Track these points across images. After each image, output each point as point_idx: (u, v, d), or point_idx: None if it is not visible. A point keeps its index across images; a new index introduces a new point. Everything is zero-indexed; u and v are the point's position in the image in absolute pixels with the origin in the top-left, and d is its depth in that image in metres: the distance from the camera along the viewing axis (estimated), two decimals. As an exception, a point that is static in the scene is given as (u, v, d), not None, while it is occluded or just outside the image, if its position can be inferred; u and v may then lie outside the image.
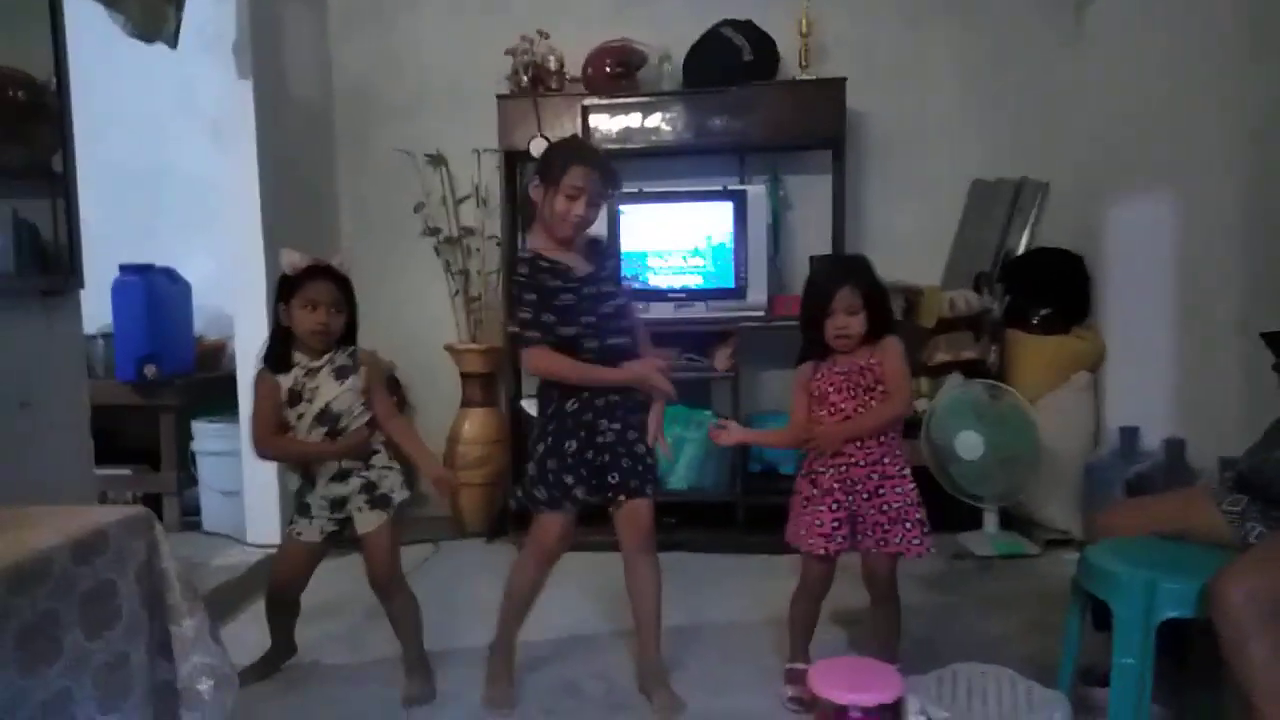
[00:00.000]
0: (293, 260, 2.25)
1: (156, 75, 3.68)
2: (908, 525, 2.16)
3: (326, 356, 2.28)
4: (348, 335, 2.32)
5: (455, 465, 3.78)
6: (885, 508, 2.16)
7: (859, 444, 2.18)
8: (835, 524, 2.19)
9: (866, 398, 2.18)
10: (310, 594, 2.49)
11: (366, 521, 2.28)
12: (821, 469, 2.22)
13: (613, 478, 2.20)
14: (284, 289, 2.25)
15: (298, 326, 2.24)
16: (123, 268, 3.48)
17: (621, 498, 2.21)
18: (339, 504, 2.29)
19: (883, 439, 2.18)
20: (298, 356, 2.27)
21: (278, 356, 2.28)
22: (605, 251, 2.31)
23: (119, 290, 3.44)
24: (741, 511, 3.56)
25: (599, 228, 2.46)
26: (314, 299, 2.23)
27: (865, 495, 2.18)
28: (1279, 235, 2.65)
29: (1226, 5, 2.86)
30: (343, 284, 2.27)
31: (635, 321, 2.32)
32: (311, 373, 2.26)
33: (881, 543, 2.17)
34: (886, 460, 2.18)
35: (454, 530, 3.80)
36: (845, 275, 2.22)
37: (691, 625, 2.73)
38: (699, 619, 2.80)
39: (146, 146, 3.93)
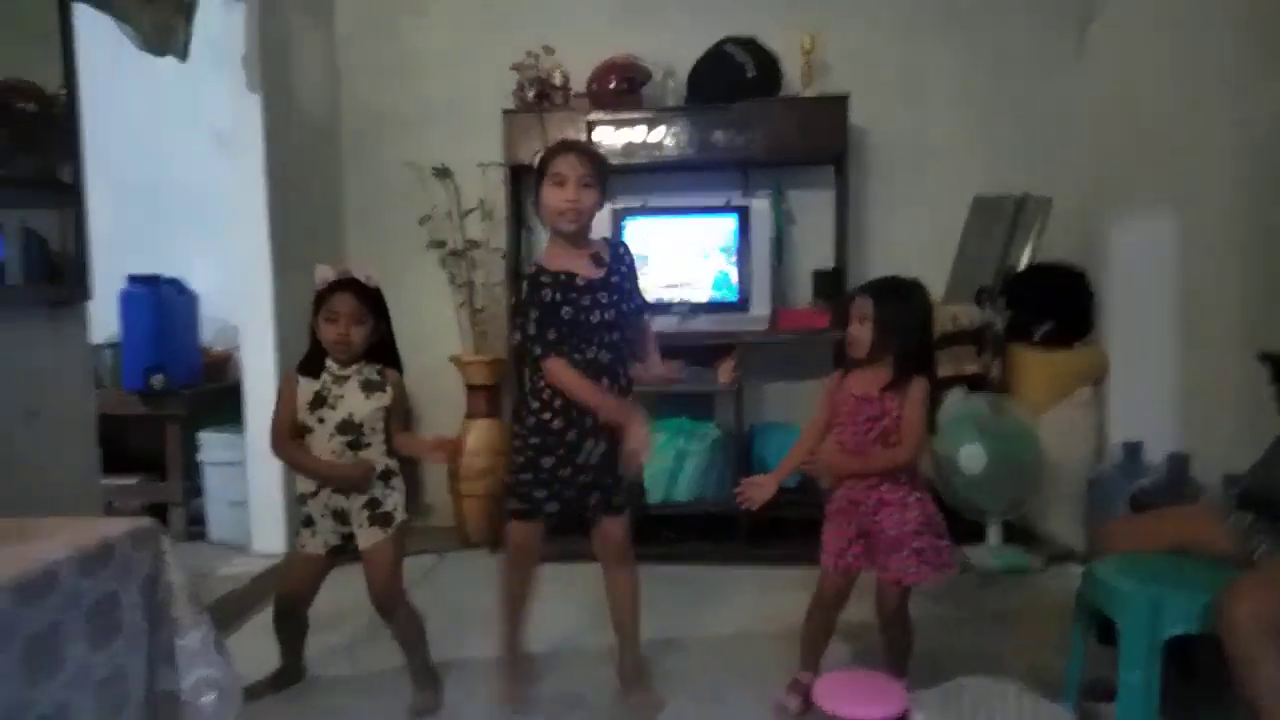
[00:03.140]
0: (323, 274, 2.29)
1: (166, 88, 3.69)
2: (904, 553, 2.14)
3: (354, 368, 2.29)
4: (380, 349, 2.33)
5: (459, 477, 3.77)
6: (882, 534, 2.16)
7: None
8: (845, 542, 2.20)
9: (866, 427, 2.17)
10: (317, 606, 2.47)
11: (367, 537, 2.28)
12: (835, 489, 2.24)
13: (594, 498, 2.24)
14: (316, 303, 2.29)
15: (322, 338, 2.27)
16: (130, 278, 3.48)
17: (602, 517, 2.26)
18: (341, 516, 2.28)
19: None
20: (329, 364, 2.29)
21: (309, 363, 2.31)
22: (618, 255, 2.25)
23: (127, 301, 3.44)
24: (744, 524, 3.54)
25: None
26: (335, 311, 2.25)
27: (869, 518, 2.17)
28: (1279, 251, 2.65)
29: (1229, 22, 2.86)
30: (368, 297, 2.28)
31: (638, 332, 2.31)
32: (339, 380, 2.28)
33: (883, 570, 2.17)
34: (884, 488, 2.16)
35: (458, 541, 3.78)
36: (868, 287, 2.21)
37: (693, 638, 2.71)
38: (701, 631, 2.78)
39: (155, 159, 3.93)
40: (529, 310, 2.14)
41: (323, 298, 2.26)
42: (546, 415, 2.20)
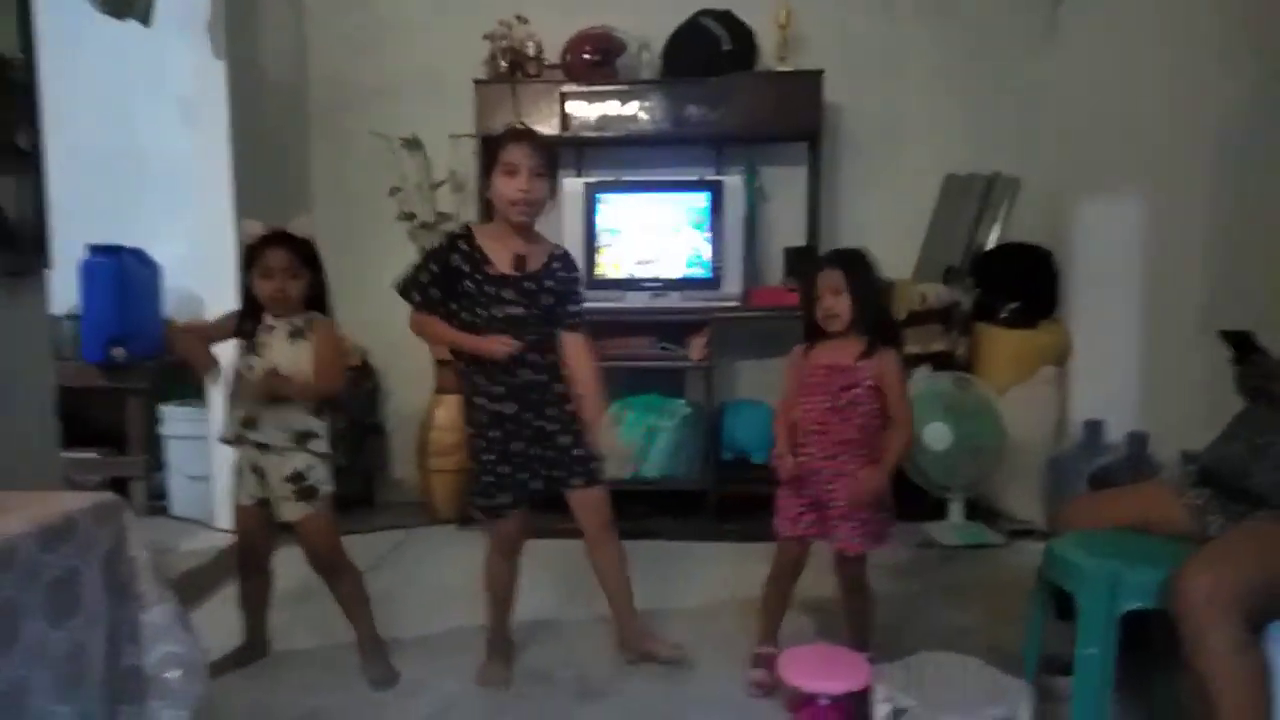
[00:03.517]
0: (251, 229, 2.27)
1: (128, 54, 3.59)
2: (852, 523, 2.17)
3: (285, 319, 2.27)
4: (316, 300, 2.30)
5: (427, 452, 3.75)
6: (834, 503, 2.19)
7: (817, 436, 2.20)
8: (799, 510, 2.23)
9: (839, 396, 2.18)
10: (278, 581, 2.46)
11: (292, 510, 2.26)
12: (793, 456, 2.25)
13: (554, 472, 2.25)
14: (247, 258, 2.26)
15: (258, 294, 2.25)
16: (91, 248, 3.39)
17: (576, 488, 2.26)
18: (260, 474, 2.27)
19: (842, 440, 2.18)
20: (264, 319, 2.27)
21: (246, 324, 2.28)
22: (551, 268, 2.24)
23: (87, 271, 3.36)
24: (713, 499, 3.57)
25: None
26: (269, 266, 2.22)
27: (823, 487, 2.19)
28: (1243, 234, 2.69)
29: (1198, 6, 2.88)
30: (301, 249, 2.25)
31: (563, 346, 2.27)
32: (268, 329, 2.26)
33: (831, 539, 2.20)
34: (842, 458, 2.18)
35: (425, 517, 3.77)
36: (832, 259, 2.24)
37: (661, 611, 2.73)
38: (669, 605, 2.80)
39: (117, 126, 3.83)
40: (429, 262, 2.21)
41: (255, 253, 2.24)
42: (480, 400, 2.22)
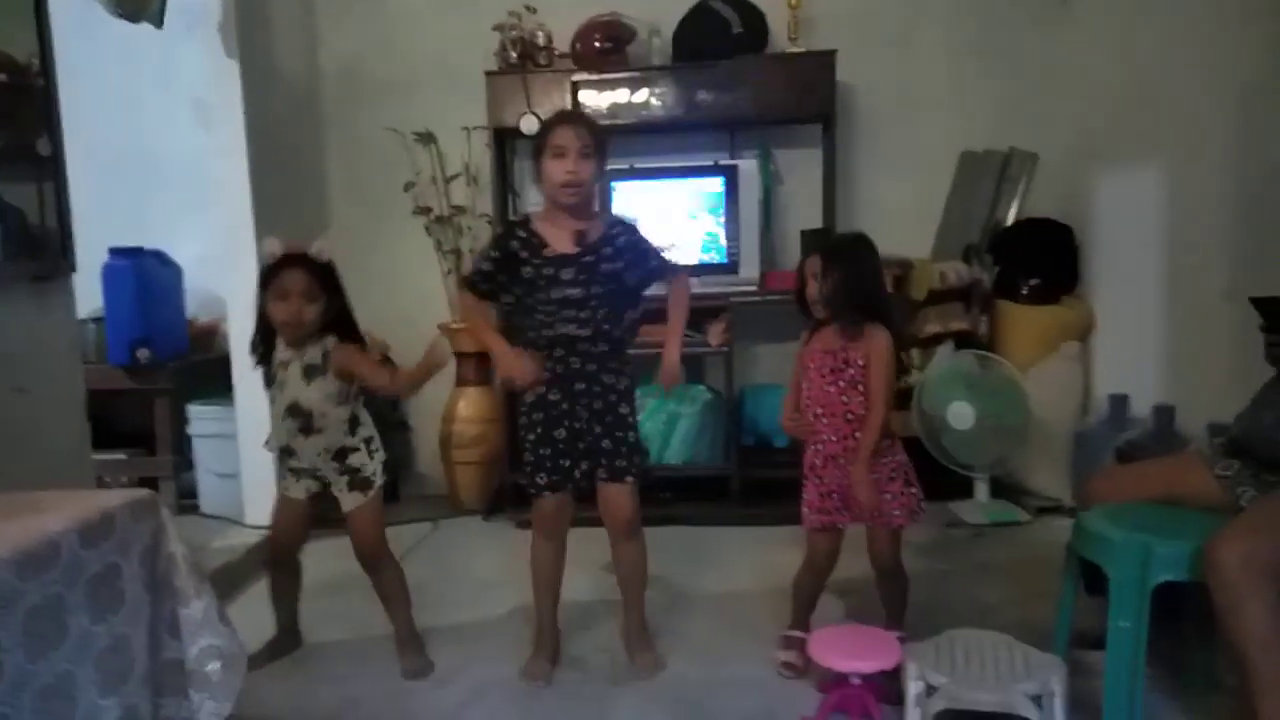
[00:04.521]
0: (271, 249, 2.20)
1: (141, 56, 3.63)
2: (886, 497, 2.18)
3: (298, 351, 2.23)
4: (337, 323, 2.25)
5: (451, 445, 3.78)
6: (844, 487, 2.20)
7: (828, 420, 2.21)
8: (821, 498, 2.23)
9: (831, 379, 2.21)
10: (310, 574, 2.49)
11: (348, 501, 2.30)
12: (807, 445, 2.28)
13: (586, 464, 2.25)
14: (264, 278, 2.22)
15: (272, 317, 2.20)
16: (112, 251, 3.43)
17: (603, 483, 2.26)
18: (317, 477, 2.30)
19: (850, 418, 2.19)
20: (279, 345, 2.25)
21: (261, 348, 2.27)
22: (609, 235, 2.23)
23: (109, 274, 3.40)
24: (736, 484, 3.57)
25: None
26: (285, 288, 2.16)
27: (845, 470, 2.20)
28: (1265, 203, 2.67)
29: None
30: (320, 272, 2.20)
31: (625, 312, 2.29)
32: (284, 364, 2.24)
33: (864, 516, 2.20)
34: (858, 436, 2.19)
35: (451, 508, 3.80)
36: (815, 245, 2.29)
37: (688, 595, 2.75)
38: (695, 590, 2.82)
39: (132, 128, 3.87)
40: (491, 249, 2.27)
41: (271, 274, 2.18)
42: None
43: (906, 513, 2.21)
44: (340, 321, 2.26)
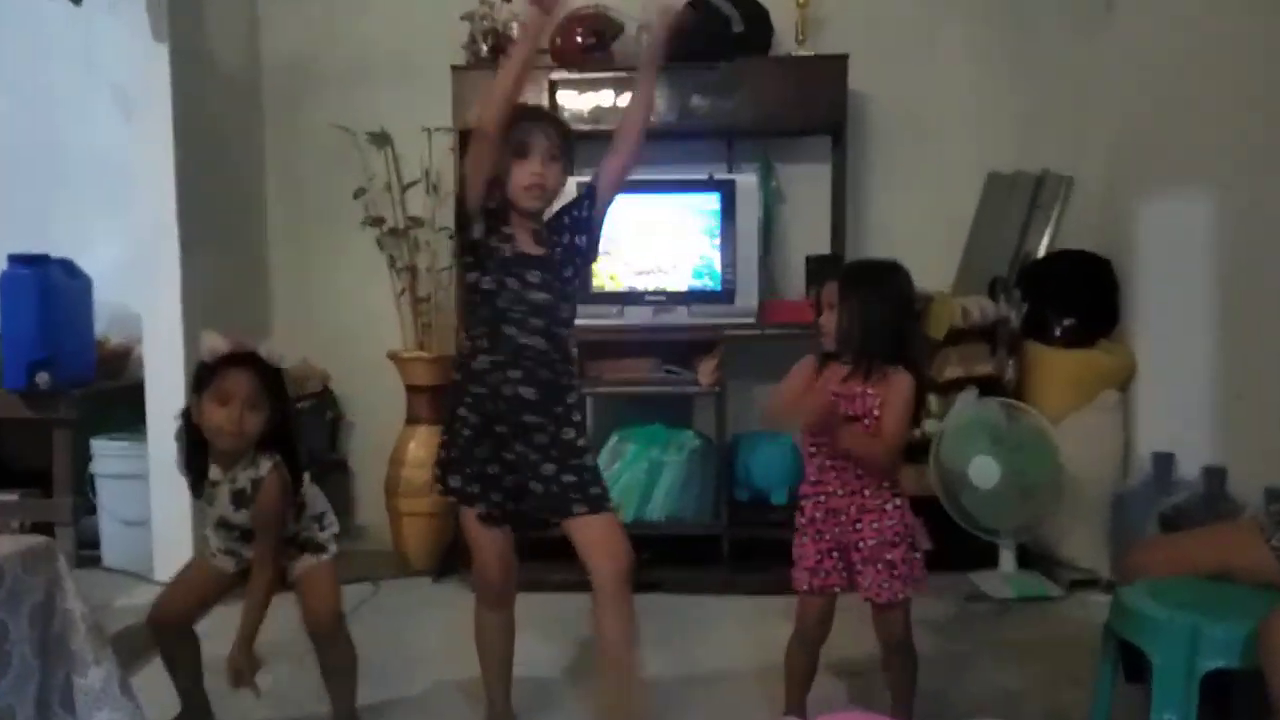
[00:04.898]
0: (212, 344, 2.15)
1: (53, 35, 3.64)
2: (878, 566, 2.18)
3: (226, 473, 2.19)
4: (278, 438, 2.21)
5: (398, 493, 3.76)
6: (861, 545, 2.20)
7: (836, 472, 2.22)
8: (818, 557, 2.23)
9: (854, 426, 2.20)
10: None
11: (300, 564, 2.28)
12: (806, 497, 2.27)
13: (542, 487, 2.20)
14: (198, 379, 2.17)
15: (205, 423, 2.14)
16: (11, 258, 3.42)
17: (572, 515, 2.20)
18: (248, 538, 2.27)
19: (860, 473, 2.20)
20: (210, 462, 2.21)
21: (192, 464, 2.22)
22: (558, 225, 2.24)
23: (7, 284, 3.39)
24: (727, 546, 3.57)
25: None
26: (227, 392, 2.11)
27: (849, 528, 2.21)
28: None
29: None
30: (268, 377, 2.17)
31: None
32: (213, 484, 2.21)
33: (860, 589, 2.20)
34: (867, 493, 2.20)
35: (396, 568, 3.77)
36: (838, 270, 2.30)
37: (672, 678, 2.73)
38: (680, 671, 2.79)
39: (40, 118, 3.88)
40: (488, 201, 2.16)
41: (210, 373, 2.13)
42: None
43: (909, 583, 2.20)
44: (281, 435, 2.22)
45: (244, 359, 2.14)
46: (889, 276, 2.24)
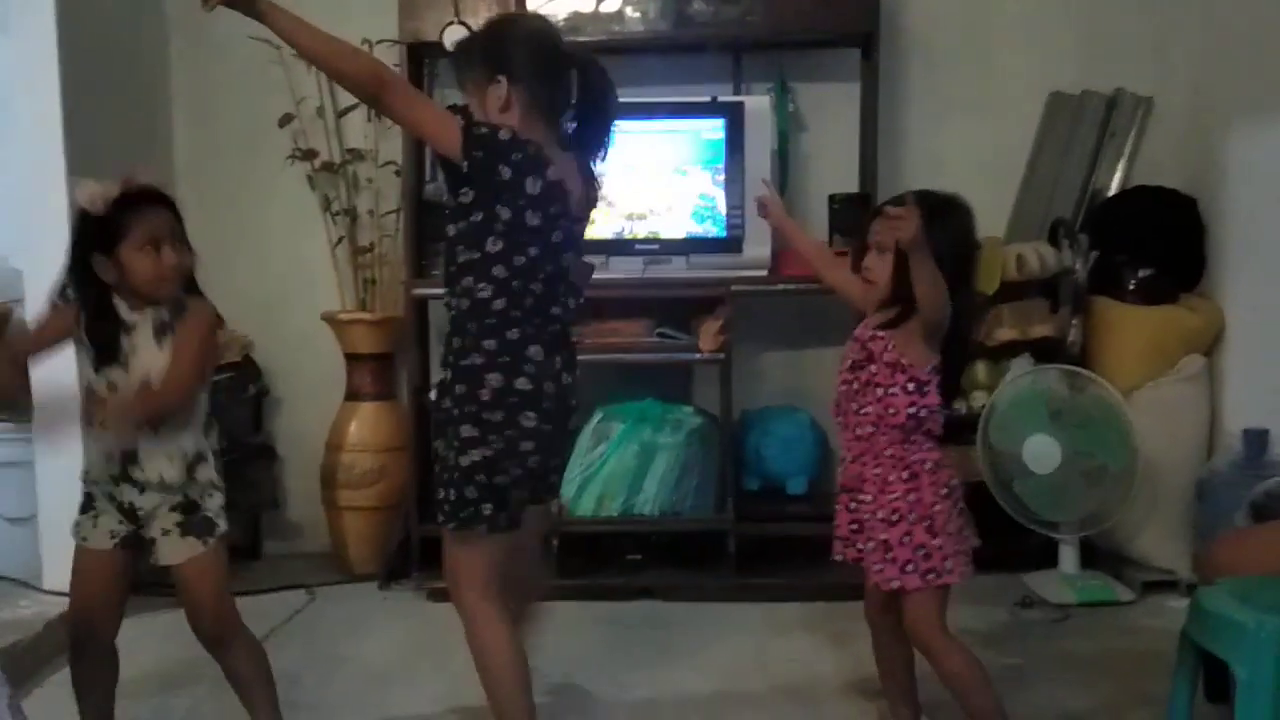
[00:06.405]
0: (95, 192, 2.19)
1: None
2: (872, 545, 2.25)
3: (140, 312, 2.24)
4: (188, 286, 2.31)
5: (336, 483, 3.78)
6: (868, 518, 2.28)
7: (844, 434, 2.32)
8: (853, 525, 2.32)
9: (855, 375, 2.27)
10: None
11: (175, 551, 2.27)
12: (840, 462, 2.39)
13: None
14: (99, 235, 2.20)
15: (138, 277, 2.20)
16: None
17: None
18: (129, 513, 2.29)
19: (860, 433, 2.26)
20: (118, 306, 2.25)
21: (96, 321, 2.24)
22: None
23: None
24: (734, 545, 3.59)
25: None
26: (155, 234, 2.19)
27: (859, 498, 2.29)
28: None
29: None
30: (176, 209, 2.27)
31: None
32: (128, 329, 2.24)
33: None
34: (867, 458, 2.26)
35: (336, 571, 3.80)
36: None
37: (671, 701, 2.76)
38: (679, 692, 2.83)
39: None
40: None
41: (123, 220, 2.19)
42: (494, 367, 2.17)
43: (913, 573, 2.22)
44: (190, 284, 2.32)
45: (151, 197, 2.23)
46: (954, 215, 2.27)
